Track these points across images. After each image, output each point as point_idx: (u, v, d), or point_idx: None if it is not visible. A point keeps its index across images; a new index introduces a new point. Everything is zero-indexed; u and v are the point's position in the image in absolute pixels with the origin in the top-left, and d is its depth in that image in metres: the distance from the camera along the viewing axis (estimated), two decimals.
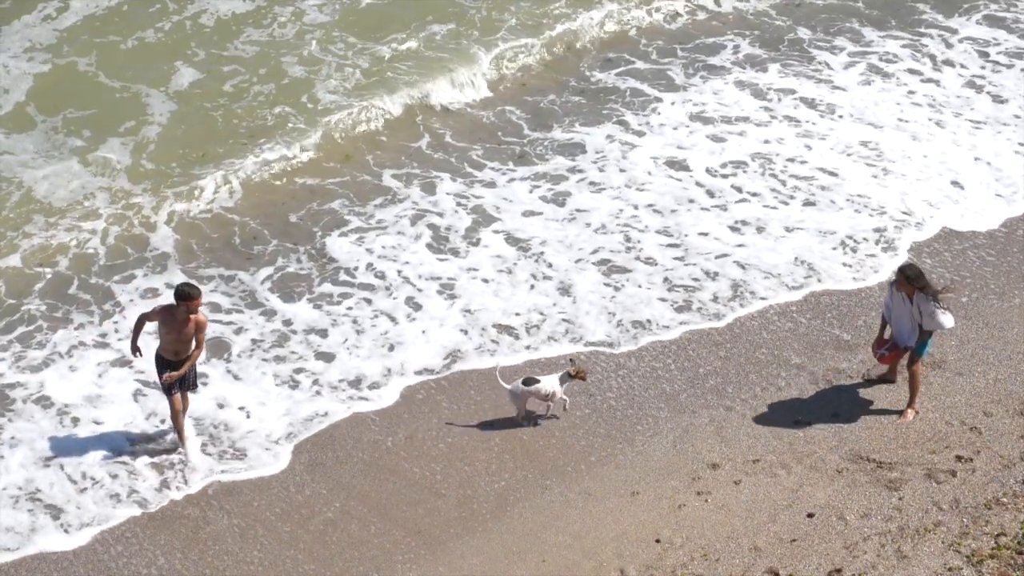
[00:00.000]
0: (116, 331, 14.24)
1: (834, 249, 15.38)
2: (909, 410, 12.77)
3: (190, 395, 12.70)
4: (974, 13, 20.45)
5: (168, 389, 12.37)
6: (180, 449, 12.60)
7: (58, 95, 17.93)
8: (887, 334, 12.88)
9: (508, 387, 12.89)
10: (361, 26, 19.59)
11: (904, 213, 15.97)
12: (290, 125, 17.51)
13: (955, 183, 16.49)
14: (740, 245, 15.52)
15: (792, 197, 16.38)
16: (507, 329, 14.27)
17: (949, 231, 15.61)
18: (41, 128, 17.39)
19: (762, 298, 14.62)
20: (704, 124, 17.96)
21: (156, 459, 12.60)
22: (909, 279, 12.47)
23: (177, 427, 12.60)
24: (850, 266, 15.06)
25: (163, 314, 12.22)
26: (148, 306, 13.71)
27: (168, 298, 13.96)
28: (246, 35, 19.27)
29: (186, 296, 12.04)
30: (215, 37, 19.18)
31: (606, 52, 19.64)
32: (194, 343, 12.30)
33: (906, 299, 12.55)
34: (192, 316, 12.11)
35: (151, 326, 12.68)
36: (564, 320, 14.42)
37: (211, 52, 18.84)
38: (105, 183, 16.43)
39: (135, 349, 12.50)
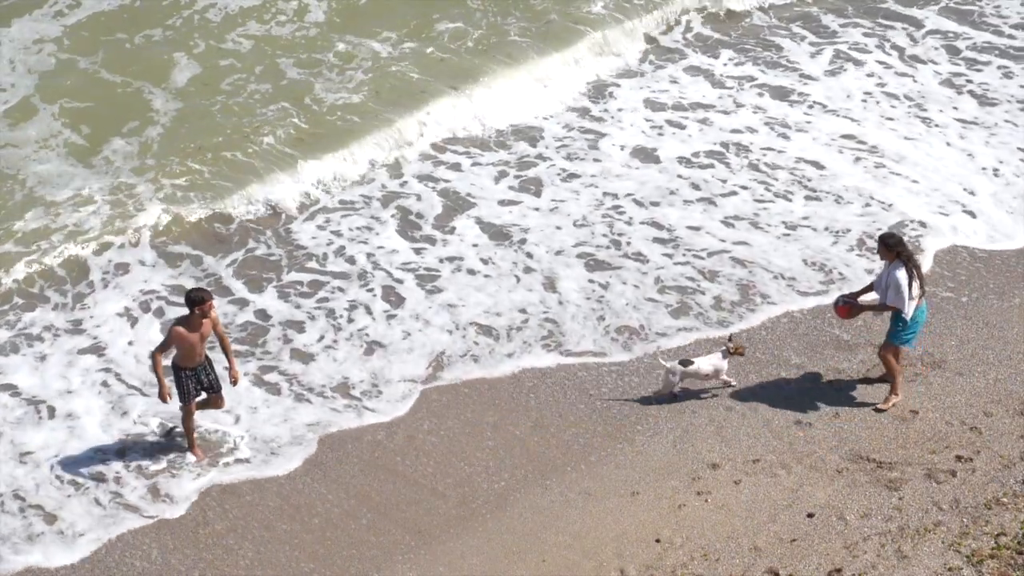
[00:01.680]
0: (91, 317, 14.26)
1: (850, 250, 15.25)
2: (891, 396, 12.79)
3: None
4: (933, 3, 20.36)
5: (187, 396, 12.24)
6: (189, 454, 12.54)
7: (62, 88, 17.97)
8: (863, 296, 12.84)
9: (667, 365, 12.98)
10: (358, 23, 19.64)
11: (914, 215, 15.82)
12: (291, 119, 17.50)
13: (967, 190, 16.28)
14: (741, 243, 15.42)
15: (791, 192, 16.25)
16: (487, 330, 14.19)
17: (971, 249, 15.23)
18: (43, 119, 17.41)
19: (772, 302, 14.44)
20: (666, 111, 17.84)
21: (149, 460, 12.57)
22: (888, 246, 12.42)
23: (188, 431, 12.49)
24: (872, 271, 14.78)
25: (180, 333, 12.03)
26: (125, 291, 13.81)
27: (129, 292, 14.29)
28: (250, 32, 19.26)
29: (199, 300, 11.96)
30: (216, 31, 19.21)
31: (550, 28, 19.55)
32: (215, 340, 12.32)
33: (886, 267, 12.55)
34: (205, 319, 12.08)
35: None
36: (548, 320, 14.28)
37: (212, 45, 18.88)
38: (101, 172, 16.48)
39: (167, 395, 12.21)
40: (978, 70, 18.86)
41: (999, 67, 18.95)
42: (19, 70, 18.26)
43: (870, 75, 18.64)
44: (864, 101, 18.13)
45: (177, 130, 17.32)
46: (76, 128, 17.30)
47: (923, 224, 15.60)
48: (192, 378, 12.26)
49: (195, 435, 12.56)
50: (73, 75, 18.24)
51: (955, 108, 17.97)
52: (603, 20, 19.82)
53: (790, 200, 16.12)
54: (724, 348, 13.00)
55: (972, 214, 15.86)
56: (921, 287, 12.45)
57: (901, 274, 12.31)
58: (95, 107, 17.71)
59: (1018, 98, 18.24)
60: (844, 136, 17.37)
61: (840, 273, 14.85)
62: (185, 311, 12.19)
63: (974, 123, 17.68)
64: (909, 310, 12.40)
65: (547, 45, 19.34)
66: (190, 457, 12.51)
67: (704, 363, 12.98)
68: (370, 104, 17.92)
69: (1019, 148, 17.16)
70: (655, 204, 16.09)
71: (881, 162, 16.86)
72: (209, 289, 12.63)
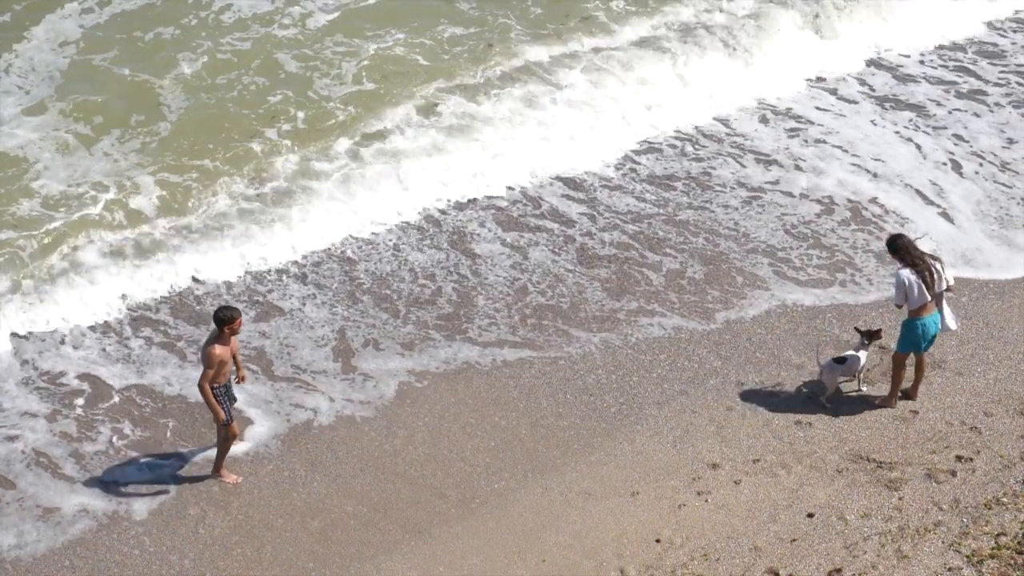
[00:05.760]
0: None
1: (844, 223, 14.96)
2: (891, 396, 12.86)
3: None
4: None
5: (227, 415, 11.98)
6: (218, 475, 12.35)
7: (73, 85, 18.02)
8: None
9: (821, 364, 12.94)
10: (368, 24, 19.68)
11: (882, 201, 15.69)
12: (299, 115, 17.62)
13: (935, 184, 16.31)
14: (690, 207, 15.01)
15: (737, 154, 15.98)
16: (390, 307, 13.99)
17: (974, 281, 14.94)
18: (51, 114, 17.44)
19: (764, 287, 14.26)
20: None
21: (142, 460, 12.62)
22: (892, 249, 12.40)
23: (223, 453, 12.25)
24: (873, 250, 14.46)
25: (218, 353, 11.78)
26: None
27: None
28: (262, 31, 19.28)
29: (229, 320, 11.74)
30: (228, 33, 19.24)
31: None
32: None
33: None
34: (234, 335, 11.92)
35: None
36: (459, 289, 14.03)
37: (221, 46, 18.91)
38: (105, 165, 16.57)
39: (224, 418, 11.95)
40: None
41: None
42: (39, 67, 18.32)
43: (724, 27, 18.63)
44: (734, 49, 18.08)
45: (179, 126, 17.38)
46: (83, 122, 17.34)
47: (906, 219, 15.61)
48: (225, 395, 12.03)
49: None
50: (85, 71, 18.32)
51: (862, 83, 17.90)
52: None
53: (742, 163, 15.95)
54: (860, 341, 12.79)
55: (950, 218, 15.78)
56: (930, 292, 12.32)
57: (902, 272, 12.28)
58: (104, 102, 17.75)
59: (928, 77, 18.32)
60: (738, 94, 17.38)
61: (847, 256, 14.69)
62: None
63: (894, 99, 17.70)
64: (902, 301, 12.30)
65: None
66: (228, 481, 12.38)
67: (860, 356, 12.74)
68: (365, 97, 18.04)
69: (956, 135, 17.18)
70: (555, 157, 15.99)
71: (799, 127, 16.78)
72: (238, 307, 12.54)
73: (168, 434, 12.85)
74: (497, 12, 19.62)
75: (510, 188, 15.97)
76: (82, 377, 13.52)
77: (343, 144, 16.92)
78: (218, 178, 16.25)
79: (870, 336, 12.82)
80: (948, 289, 12.45)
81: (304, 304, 14.51)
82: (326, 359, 13.71)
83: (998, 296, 14.44)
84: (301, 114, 17.49)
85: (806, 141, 17.12)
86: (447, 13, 19.77)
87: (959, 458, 12.16)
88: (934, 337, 12.59)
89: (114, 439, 12.76)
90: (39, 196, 15.90)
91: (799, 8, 19.58)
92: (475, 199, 15.84)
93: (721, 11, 19.49)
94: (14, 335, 14.01)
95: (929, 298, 12.30)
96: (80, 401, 13.21)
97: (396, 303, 14.39)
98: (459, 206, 15.78)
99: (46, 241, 15.14)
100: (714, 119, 17.49)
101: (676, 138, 16.76)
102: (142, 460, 12.55)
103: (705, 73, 18.15)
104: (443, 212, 15.76)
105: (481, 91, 17.78)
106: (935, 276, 12.29)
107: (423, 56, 18.48)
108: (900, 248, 12.33)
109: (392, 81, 18.17)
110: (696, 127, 17.26)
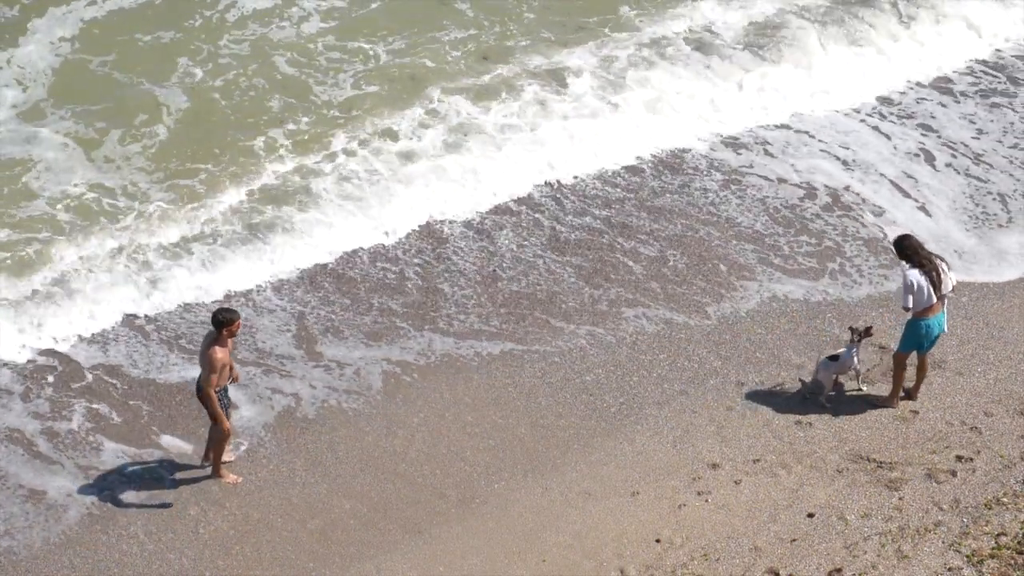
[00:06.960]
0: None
1: (827, 208, 14.97)
2: (892, 397, 12.83)
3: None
4: None
5: (227, 415, 12.00)
6: (217, 476, 12.32)
7: (73, 87, 17.97)
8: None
9: (818, 363, 12.94)
10: (367, 28, 19.67)
11: (856, 190, 15.70)
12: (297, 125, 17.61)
13: (910, 176, 16.33)
14: (674, 191, 14.96)
15: (699, 136, 16.12)
16: (350, 289, 14.00)
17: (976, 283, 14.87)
18: (52, 118, 17.42)
19: (750, 276, 14.25)
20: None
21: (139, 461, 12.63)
22: (898, 249, 12.37)
23: (219, 454, 12.23)
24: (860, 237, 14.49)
25: (220, 357, 11.74)
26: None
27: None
28: (259, 32, 19.26)
29: (228, 322, 11.69)
30: (228, 36, 19.20)
31: None
32: None
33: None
34: (232, 337, 11.90)
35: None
36: (423, 275, 14.03)
37: (221, 50, 18.88)
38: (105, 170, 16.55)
39: (228, 427, 11.96)
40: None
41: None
42: (38, 68, 18.31)
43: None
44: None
45: (181, 131, 17.37)
46: (85, 127, 17.33)
47: (882, 209, 15.60)
48: (224, 396, 11.99)
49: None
50: (86, 72, 18.26)
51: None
52: None
53: (710, 146, 15.98)
54: (851, 340, 12.78)
55: (928, 213, 15.82)
56: (937, 294, 12.28)
57: (911, 273, 12.25)
58: (104, 107, 17.71)
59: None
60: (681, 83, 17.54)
61: (835, 243, 14.71)
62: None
63: (856, 87, 17.83)
64: (911, 304, 12.30)
65: None
66: (228, 482, 12.38)
67: (852, 353, 12.74)
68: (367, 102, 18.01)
69: (923, 125, 17.17)
70: (501, 135, 16.12)
71: (753, 107, 16.86)
72: (236, 309, 12.68)
73: (144, 419, 12.85)
74: (494, 18, 19.65)
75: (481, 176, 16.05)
76: (55, 359, 13.54)
77: (339, 146, 16.90)
78: (213, 177, 16.24)
79: (861, 333, 12.83)
80: (952, 290, 12.47)
81: (265, 287, 14.58)
82: (289, 344, 13.71)
83: (998, 296, 14.45)
84: (303, 118, 17.46)
85: (766, 125, 17.15)
86: (449, 15, 19.78)
87: (959, 458, 12.16)
88: (936, 338, 12.59)
89: (89, 424, 12.76)
90: (37, 197, 15.89)
91: (808, 19, 19.64)
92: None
93: (719, 15, 19.60)
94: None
95: (935, 299, 12.30)
96: (51, 379, 13.24)
97: (358, 287, 14.42)
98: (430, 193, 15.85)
99: (40, 244, 15.12)
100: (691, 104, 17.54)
101: (641, 121, 16.77)
102: (140, 457, 12.55)
103: (703, 76, 18.20)
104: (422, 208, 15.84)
105: (480, 95, 17.79)
106: (942, 277, 12.29)
107: (426, 59, 18.51)
108: (908, 248, 12.32)
109: (395, 84, 18.15)
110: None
